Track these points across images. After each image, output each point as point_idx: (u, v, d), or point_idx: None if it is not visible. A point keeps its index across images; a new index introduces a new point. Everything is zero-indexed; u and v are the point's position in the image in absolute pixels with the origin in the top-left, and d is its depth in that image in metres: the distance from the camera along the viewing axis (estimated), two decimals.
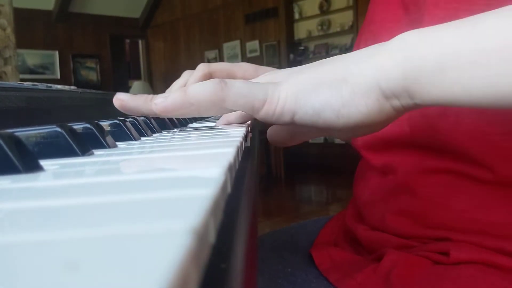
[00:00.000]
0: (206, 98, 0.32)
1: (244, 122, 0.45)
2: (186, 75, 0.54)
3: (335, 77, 0.30)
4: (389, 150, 0.46)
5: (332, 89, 0.30)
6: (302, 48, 5.19)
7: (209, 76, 0.51)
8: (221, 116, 0.49)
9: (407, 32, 0.29)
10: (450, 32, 0.27)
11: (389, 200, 0.44)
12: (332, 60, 0.32)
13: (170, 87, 0.53)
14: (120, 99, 0.36)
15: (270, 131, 0.39)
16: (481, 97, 0.26)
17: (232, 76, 0.51)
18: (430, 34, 0.27)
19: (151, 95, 0.35)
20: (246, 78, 0.48)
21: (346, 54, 0.32)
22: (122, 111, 0.37)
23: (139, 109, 0.35)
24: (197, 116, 0.36)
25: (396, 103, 0.29)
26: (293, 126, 0.36)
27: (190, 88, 0.32)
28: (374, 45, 0.31)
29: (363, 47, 0.39)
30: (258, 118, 0.33)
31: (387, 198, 0.45)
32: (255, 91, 0.32)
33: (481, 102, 0.26)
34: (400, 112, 0.30)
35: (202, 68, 0.51)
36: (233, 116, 0.45)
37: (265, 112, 0.32)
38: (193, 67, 0.55)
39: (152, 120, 0.47)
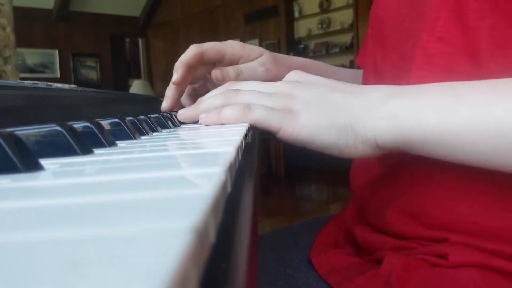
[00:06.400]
0: (234, 121, 0.41)
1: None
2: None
3: (344, 123, 0.38)
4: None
5: (341, 134, 0.38)
6: (302, 46, 5.19)
7: (200, 56, 0.56)
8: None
9: (400, 95, 0.37)
10: (435, 107, 0.34)
11: (390, 197, 0.44)
12: (343, 102, 0.39)
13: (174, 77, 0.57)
14: (179, 114, 0.49)
15: None
16: (456, 162, 0.35)
17: (221, 53, 0.57)
18: (417, 109, 0.35)
19: (197, 104, 0.47)
20: (233, 55, 0.56)
21: (354, 95, 0.39)
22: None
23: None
24: None
25: (387, 151, 0.38)
26: None
27: (223, 112, 0.42)
28: (374, 94, 0.38)
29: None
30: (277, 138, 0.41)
31: (388, 194, 0.45)
32: (272, 119, 0.40)
33: (459, 163, 0.35)
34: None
35: (194, 48, 0.57)
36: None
37: (281, 136, 0.40)
38: None
39: (152, 119, 0.47)
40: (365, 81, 0.54)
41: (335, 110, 0.39)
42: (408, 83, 0.40)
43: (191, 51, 0.55)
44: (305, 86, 0.42)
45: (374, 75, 0.50)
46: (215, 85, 0.59)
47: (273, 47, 5.29)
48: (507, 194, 0.37)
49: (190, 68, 0.56)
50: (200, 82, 0.63)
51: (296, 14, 5.19)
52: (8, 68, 2.12)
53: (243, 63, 0.57)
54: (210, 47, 0.56)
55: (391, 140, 0.37)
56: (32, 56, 5.57)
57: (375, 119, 0.37)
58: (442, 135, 0.34)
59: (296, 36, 5.23)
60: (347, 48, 4.79)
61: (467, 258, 0.37)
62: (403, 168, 0.44)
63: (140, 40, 6.99)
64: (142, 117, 0.44)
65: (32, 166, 0.20)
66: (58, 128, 0.26)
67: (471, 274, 0.36)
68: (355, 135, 0.38)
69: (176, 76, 0.55)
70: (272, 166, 4.63)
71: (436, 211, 0.40)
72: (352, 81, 0.56)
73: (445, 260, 0.38)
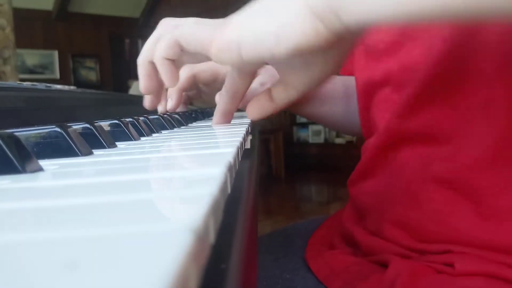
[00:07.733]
0: (165, 48, 0.38)
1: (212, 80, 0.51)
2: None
3: (273, 5, 0.33)
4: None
5: (269, 13, 0.32)
6: None
7: (193, 78, 0.56)
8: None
9: None
10: None
11: (387, 209, 0.43)
12: None
13: None
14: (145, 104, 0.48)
15: (248, 108, 0.43)
16: (395, 12, 0.27)
17: (214, 75, 0.56)
18: None
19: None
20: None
21: None
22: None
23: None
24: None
25: (328, 23, 0.30)
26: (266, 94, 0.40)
27: (155, 54, 0.39)
28: None
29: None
30: (213, 59, 0.36)
31: (385, 206, 0.44)
32: (202, 28, 0.36)
33: (398, 18, 0.28)
34: (336, 35, 0.30)
35: (186, 71, 0.56)
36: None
37: (215, 48, 0.35)
38: None
39: (152, 121, 0.47)
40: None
41: (261, 3, 0.34)
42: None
43: (184, 75, 0.55)
44: None
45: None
46: (209, 94, 0.60)
47: None
48: (498, 207, 0.36)
49: (185, 91, 0.57)
50: (194, 91, 0.63)
51: None
52: (8, 69, 2.12)
53: None
54: (203, 70, 0.56)
55: None
56: (31, 57, 5.56)
57: None
58: None
59: None
60: None
61: (474, 267, 0.36)
62: (395, 181, 0.43)
63: (140, 41, 6.99)
64: (141, 118, 0.44)
65: (32, 167, 0.20)
66: (58, 129, 0.26)
67: (479, 281, 0.35)
68: (286, 9, 0.31)
69: (171, 103, 0.56)
70: (272, 166, 4.62)
71: (432, 226, 0.39)
72: (345, 88, 0.55)
73: (451, 268, 0.37)
